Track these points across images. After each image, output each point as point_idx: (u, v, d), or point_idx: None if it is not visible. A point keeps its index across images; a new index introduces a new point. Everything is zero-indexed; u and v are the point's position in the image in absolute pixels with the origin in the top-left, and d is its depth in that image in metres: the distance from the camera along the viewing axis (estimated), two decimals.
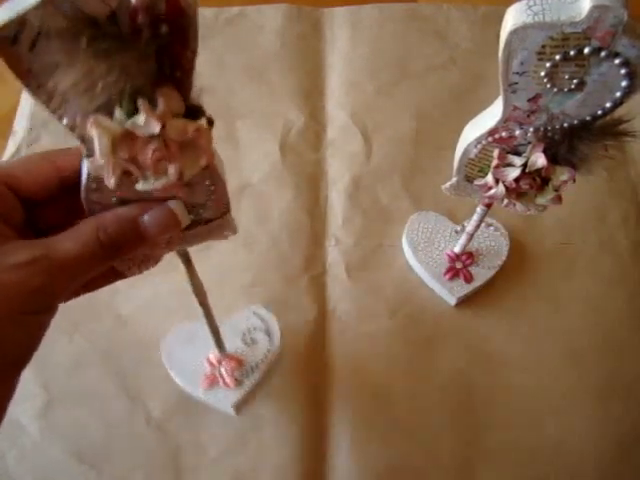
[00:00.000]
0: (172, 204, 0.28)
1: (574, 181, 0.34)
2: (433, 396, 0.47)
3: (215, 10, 0.64)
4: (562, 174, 0.33)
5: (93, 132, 0.24)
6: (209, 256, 0.50)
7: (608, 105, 0.30)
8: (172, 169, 0.26)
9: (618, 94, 0.29)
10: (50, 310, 0.27)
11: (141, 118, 0.24)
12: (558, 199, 0.35)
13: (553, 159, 0.33)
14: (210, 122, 0.26)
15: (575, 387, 0.47)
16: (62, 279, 0.26)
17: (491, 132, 0.33)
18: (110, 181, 0.26)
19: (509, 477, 0.44)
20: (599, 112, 0.30)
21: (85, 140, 0.25)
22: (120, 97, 0.24)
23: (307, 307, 0.50)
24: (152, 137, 0.24)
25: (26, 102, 0.59)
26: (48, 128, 0.57)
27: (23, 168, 0.29)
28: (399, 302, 0.50)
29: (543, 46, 0.27)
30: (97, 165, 0.25)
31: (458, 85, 0.60)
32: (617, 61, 0.27)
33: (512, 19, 0.27)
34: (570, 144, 0.32)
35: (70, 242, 0.26)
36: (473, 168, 0.36)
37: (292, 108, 0.59)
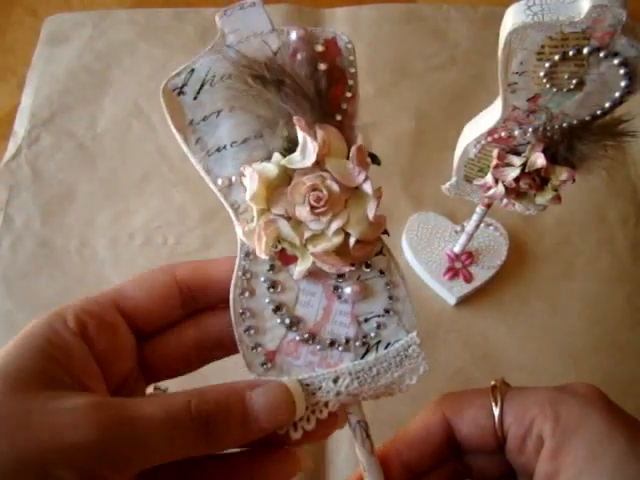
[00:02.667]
0: (287, 380, 0.23)
1: (573, 181, 0.34)
2: (432, 396, 0.47)
3: (215, 10, 0.64)
4: (561, 174, 0.33)
5: (247, 177, 0.22)
6: (209, 256, 0.50)
7: (607, 105, 0.30)
8: (335, 223, 0.23)
9: (617, 94, 0.29)
10: None
11: (297, 154, 0.22)
12: (557, 199, 0.35)
13: (552, 159, 0.33)
14: (375, 160, 0.24)
15: None
16: (130, 445, 0.19)
17: (490, 132, 0.33)
18: (262, 244, 0.23)
19: None
20: (598, 112, 0.30)
21: (237, 208, 0.24)
22: (280, 140, 0.23)
23: None
24: (312, 184, 0.22)
25: (26, 102, 0.59)
26: (48, 128, 0.57)
27: (137, 284, 0.24)
28: None
29: (542, 46, 0.27)
30: (249, 229, 0.23)
31: (458, 85, 0.60)
32: (616, 61, 0.27)
33: (512, 19, 0.27)
34: (569, 144, 0.32)
35: (151, 406, 0.20)
36: (472, 168, 0.36)
37: None
